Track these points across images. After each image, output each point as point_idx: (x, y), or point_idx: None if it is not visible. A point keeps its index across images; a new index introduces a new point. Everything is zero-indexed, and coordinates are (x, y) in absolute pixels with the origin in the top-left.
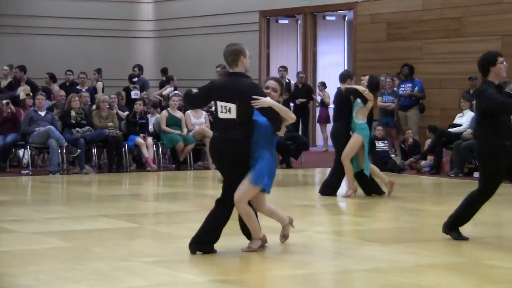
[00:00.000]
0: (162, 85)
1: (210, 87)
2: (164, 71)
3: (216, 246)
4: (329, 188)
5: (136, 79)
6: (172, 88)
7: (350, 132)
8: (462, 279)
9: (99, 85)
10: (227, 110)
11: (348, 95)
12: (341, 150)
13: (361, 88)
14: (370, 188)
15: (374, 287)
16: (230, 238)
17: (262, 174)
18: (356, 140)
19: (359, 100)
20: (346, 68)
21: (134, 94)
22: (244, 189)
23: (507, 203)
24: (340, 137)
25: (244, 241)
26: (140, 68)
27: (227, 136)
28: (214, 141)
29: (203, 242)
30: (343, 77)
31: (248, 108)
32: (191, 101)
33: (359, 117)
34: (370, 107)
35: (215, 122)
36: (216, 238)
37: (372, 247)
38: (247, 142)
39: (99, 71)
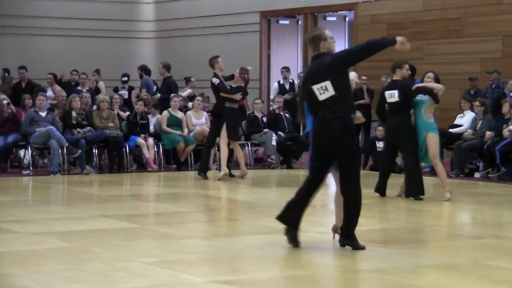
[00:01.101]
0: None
1: (303, 82)
2: (144, 68)
3: (217, 247)
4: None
5: (126, 78)
6: (191, 90)
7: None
8: (462, 280)
9: (101, 85)
10: (324, 90)
11: (420, 93)
12: (402, 146)
13: (438, 86)
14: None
15: (375, 287)
16: (230, 238)
17: None
18: (434, 140)
19: (426, 98)
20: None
21: (122, 94)
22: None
23: (507, 203)
24: (403, 132)
25: (244, 242)
26: (142, 69)
27: (333, 115)
28: (320, 121)
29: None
30: (392, 68)
31: (341, 80)
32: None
33: (429, 115)
34: (434, 104)
35: (319, 106)
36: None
37: (373, 248)
38: (351, 118)
39: (98, 71)
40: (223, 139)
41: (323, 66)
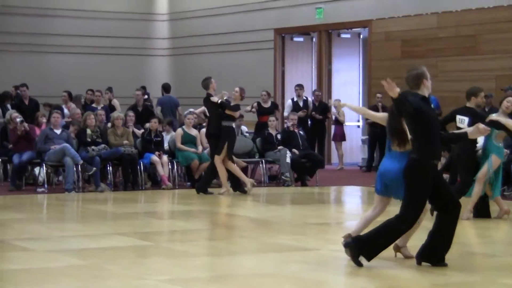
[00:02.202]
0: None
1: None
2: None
3: (231, 265)
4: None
5: (146, 96)
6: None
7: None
8: None
9: (116, 102)
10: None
11: (492, 126)
12: (468, 172)
13: (510, 123)
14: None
15: None
16: (244, 256)
17: None
18: (496, 162)
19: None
20: (361, 85)
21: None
22: None
23: None
24: (470, 159)
25: (258, 260)
26: (164, 87)
27: (409, 156)
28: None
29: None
30: (468, 96)
31: (416, 126)
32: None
33: (498, 140)
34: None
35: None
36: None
37: (387, 265)
38: (417, 162)
39: (110, 89)
40: (219, 158)
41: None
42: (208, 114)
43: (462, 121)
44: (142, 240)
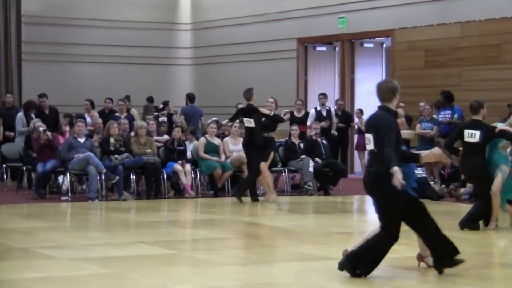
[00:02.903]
0: (145, 110)
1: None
2: (150, 99)
3: (254, 274)
4: (471, 222)
5: (161, 105)
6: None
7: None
8: None
9: (134, 112)
10: (369, 141)
11: (503, 137)
12: (484, 185)
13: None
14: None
15: None
16: (267, 265)
17: None
18: (507, 171)
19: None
20: None
21: (161, 120)
22: None
23: None
24: (484, 174)
25: (281, 269)
26: (188, 96)
27: (368, 169)
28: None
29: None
30: (475, 109)
31: (381, 139)
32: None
33: (504, 150)
34: None
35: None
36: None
37: (409, 275)
38: (382, 172)
39: (128, 98)
40: (266, 165)
41: (375, 121)
42: (246, 125)
43: (473, 135)
44: (165, 248)
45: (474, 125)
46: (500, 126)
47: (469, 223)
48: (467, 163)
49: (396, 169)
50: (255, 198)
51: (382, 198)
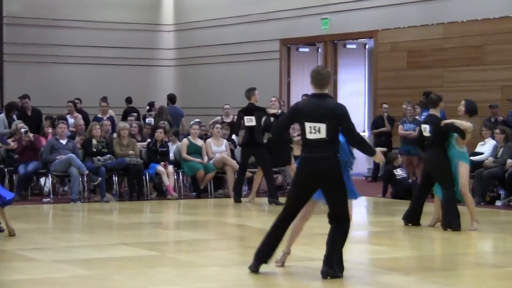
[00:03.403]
0: (125, 114)
1: (293, 110)
2: (128, 100)
3: (237, 275)
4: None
5: (148, 107)
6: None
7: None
8: None
9: (111, 113)
10: (317, 130)
11: (447, 130)
12: (439, 178)
13: (462, 123)
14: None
15: None
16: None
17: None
18: (465, 169)
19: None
20: (367, 96)
21: (148, 121)
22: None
23: None
24: (440, 166)
25: (264, 270)
26: (169, 97)
27: (318, 155)
28: (306, 161)
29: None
30: (434, 102)
31: (336, 127)
32: (280, 131)
33: (460, 145)
34: (468, 135)
35: (304, 143)
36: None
37: (393, 276)
38: (337, 158)
39: (104, 99)
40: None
41: (325, 109)
42: (246, 124)
43: (426, 129)
44: (147, 250)
45: (428, 119)
46: (446, 120)
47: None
48: (425, 156)
49: (378, 149)
50: (238, 200)
51: (340, 185)
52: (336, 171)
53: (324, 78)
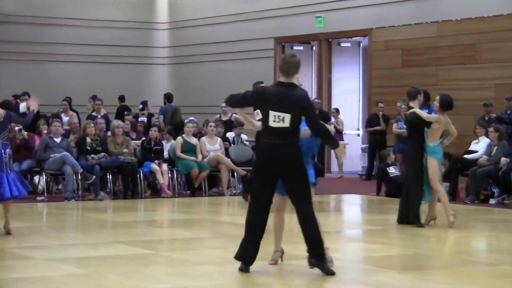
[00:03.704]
0: (119, 112)
1: (261, 93)
2: (121, 98)
3: (231, 273)
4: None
5: (141, 106)
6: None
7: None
8: None
9: (103, 111)
10: (281, 120)
11: (411, 119)
12: (413, 171)
13: (422, 113)
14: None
15: None
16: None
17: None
18: (433, 164)
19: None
20: (362, 94)
21: (141, 120)
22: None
23: None
24: (412, 158)
25: (258, 268)
26: (166, 96)
27: (282, 142)
28: (268, 147)
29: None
30: (412, 95)
31: (300, 118)
32: (235, 102)
33: (430, 139)
34: (437, 128)
35: (267, 130)
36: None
37: (388, 274)
38: (298, 147)
39: (94, 97)
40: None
41: (293, 99)
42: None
43: (403, 121)
44: (142, 248)
45: (406, 112)
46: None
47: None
48: (405, 148)
49: (342, 143)
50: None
51: (301, 173)
52: (297, 160)
53: (291, 66)
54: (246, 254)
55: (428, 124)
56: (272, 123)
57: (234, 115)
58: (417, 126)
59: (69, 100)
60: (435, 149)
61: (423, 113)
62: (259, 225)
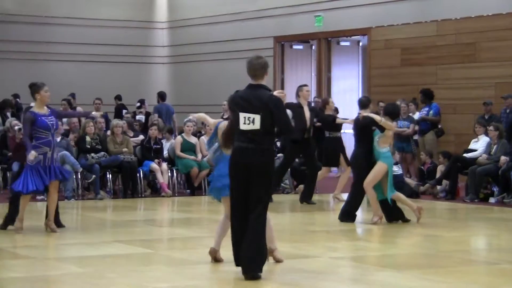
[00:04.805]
0: (117, 111)
1: (232, 98)
2: (118, 97)
3: (231, 272)
4: (348, 214)
5: (139, 104)
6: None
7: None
8: None
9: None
10: (251, 121)
11: (365, 123)
12: (360, 176)
13: (377, 117)
14: (394, 215)
15: None
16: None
17: None
18: (380, 168)
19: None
20: (361, 93)
21: (139, 118)
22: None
23: None
24: (360, 164)
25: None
26: (160, 95)
27: (252, 146)
28: (239, 151)
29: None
30: (364, 104)
31: (270, 119)
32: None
33: (381, 145)
34: (390, 135)
35: (237, 133)
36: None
37: (388, 273)
38: (272, 151)
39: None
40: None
41: (260, 100)
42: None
43: (352, 127)
44: (141, 247)
45: (355, 120)
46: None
47: (346, 216)
48: (353, 153)
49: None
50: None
51: (269, 175)
52: (269, 165)
53: (255, 68)
54: (236, 256)
55: (381, 127)
56: (242, 126)
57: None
58: (367, 132)
59: (69, 100)
60: (387, 154)
61: (377, 117)
62: (239, 227)
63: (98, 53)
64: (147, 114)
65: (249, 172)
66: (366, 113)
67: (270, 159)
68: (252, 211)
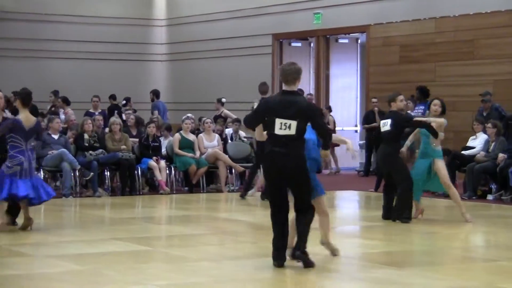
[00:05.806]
0: (110, 111)
1: (265, 104)
2: (112, 96)
3: (229, 269)
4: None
5: (124, 101)
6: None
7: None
8: None
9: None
10: (287, 127)
11: (418, 127)
12: (394, 174)
13: (438, 120)
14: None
15: None
16: (242, 261)
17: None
18: (443, 165)
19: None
20: (359, 90)
21: (126, 116)
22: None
23: None
24: (394, 161)
25: (256, 264)
26: (154, 92)
27: (287, 151)
28: (275, 156)
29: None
30: (390, 101)
31: (305, 125)
32: (250, 123)
33: (435, 144)
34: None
35: (272, 138)
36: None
37: (386, 271)
38: (304, 155)
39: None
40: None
41: (297, 106)
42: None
43: (385, 124)
44: (140, 245)
45: (387, 115)
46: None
47: (396, 214)
48: (380, 151)
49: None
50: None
51: (305, 182)
52: (302, 168)
53: (288, 74)
54: (276, 253)
55: (436, 133)
56: (278, 131)
57: (225, 111)
58: (401, 131)
59: (63, 98)
60: (441, 152)
61: (437, 119)
62: (282, 226)
63: (96, 50)
64: (134, 112)
65: (282, 176)
66: (393, 109)
67: (303, 163)
68: (302, 210)
